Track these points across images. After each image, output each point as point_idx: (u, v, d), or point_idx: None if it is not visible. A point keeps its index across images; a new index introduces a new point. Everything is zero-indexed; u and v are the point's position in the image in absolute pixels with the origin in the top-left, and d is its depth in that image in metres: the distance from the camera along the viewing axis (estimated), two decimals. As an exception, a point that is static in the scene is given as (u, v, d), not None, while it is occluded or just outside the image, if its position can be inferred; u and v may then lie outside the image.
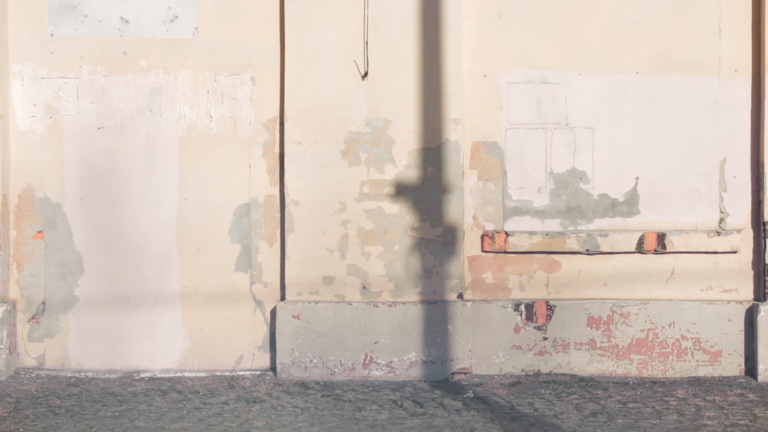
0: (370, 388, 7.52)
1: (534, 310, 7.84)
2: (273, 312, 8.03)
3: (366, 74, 7.83)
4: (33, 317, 8.14)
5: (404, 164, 7.84)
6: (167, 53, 8.07)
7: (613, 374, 7.81)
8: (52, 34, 8.10)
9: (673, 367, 7.79)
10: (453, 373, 7.76)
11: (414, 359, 7.76)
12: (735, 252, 7.84)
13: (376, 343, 7.79)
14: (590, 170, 7.95)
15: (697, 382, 7.62)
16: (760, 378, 7.64)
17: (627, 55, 7.90)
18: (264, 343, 8.09)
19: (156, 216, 8.09)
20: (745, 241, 7.86)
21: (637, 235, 7.83)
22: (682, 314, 7.79)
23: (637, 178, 7.92)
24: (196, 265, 8.07)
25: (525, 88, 7.96)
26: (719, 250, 7.82)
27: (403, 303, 7.79)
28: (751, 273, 7.88)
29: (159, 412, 6.94)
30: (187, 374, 8.00)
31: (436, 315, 7.75)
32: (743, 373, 7.80)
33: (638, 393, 7.32)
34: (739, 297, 7.88)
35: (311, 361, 7.83)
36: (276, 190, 8.07)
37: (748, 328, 7.76)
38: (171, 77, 8.09)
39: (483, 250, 7.95)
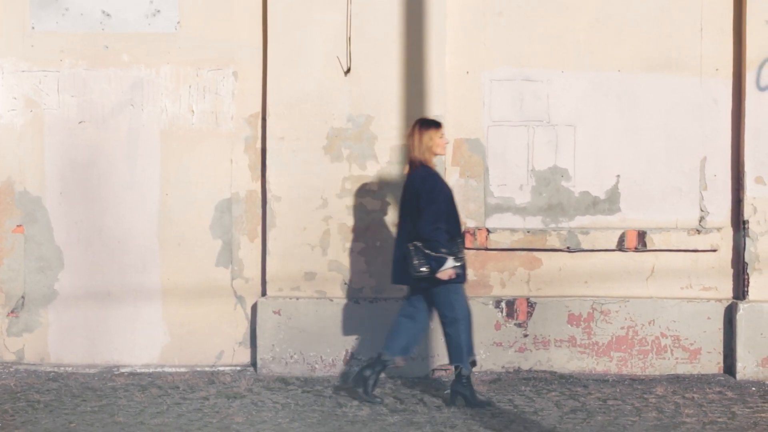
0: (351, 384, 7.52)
1: (515, 307, 7.86)
2: (254, 307, 8.02)
3: (349, 70, 7.83)
4: (12, 311, 8.10)
5: (386, 160, 7.84)
6: (149, 48, 8.04)
7: (593, 371, 7.83)
8: (33, 27, 8.05)
9: (653, 365, 7.82)
10: (434, 370, 7.77)
11: (395, 355, 7.76)
12: (715, 250, 7.87)
13: (357, 339, 7.79)
14: (572, 168, 7.97)
15: (676, 379, 7.66)
16: (739, 376, 7.68)
17: (610, 53, 7.92)
18: (245, 339, 8.07)
19: (137, 211, 8.06)
20: (725, 240, 7.90)
21: (618, 233, 7.86)
22: (662, 312, 7.82)
23: (618, 176, 7.94)
24: (177, 260, 8.05)
25: (508, 85, 7.97)
26: (699, 249, 7.86)
27: (385, 299, 7.79)
28: (730, 271, 7.92)
29: (139, 408, 6.92)
30: (167, 369, 7.98)
31: (418, 311, 7.75)
32: (722, 371, 7.84)
33: (618, 390, 7.35)
34: (718, 295, 7.92)
35: (292, 357, 7.82)
36: (258, 186, 8.05)
37: (727, 326, 7.80)
38: (153, 72, 8.06)
39: (464, 247, 7.94)
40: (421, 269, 6.74)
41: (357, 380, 7.03)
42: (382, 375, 7.26)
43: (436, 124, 6.96)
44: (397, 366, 7.06)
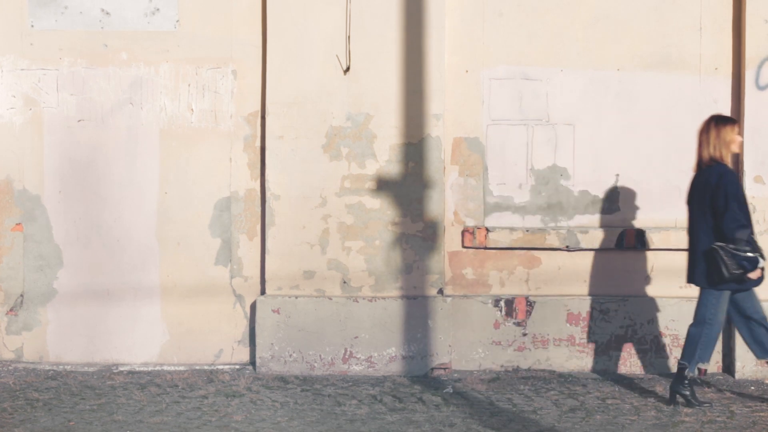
0: (350, 383, 7.52)
1: (514, 305, 7.86)
2: (253, 306, 8.02)
3: (348, 69, 7.83)
4: (11, 310, 8.10)
5: (385, 159, 7.84)
6: (148, 46, 8.04)
7: (592, 370, 7.83)
8: (33, 26, 8.05)
9: (652, 364, 7.82)
10: (433, 369, 7.77)
11: (394, 354, 7.76)
12: (714, 249, 7.87)
13: (356, 338, 7.79)
14: (571, 167, 7.97)
15: (675, 378, 7.65)
16: (737, 375, 7.68)
17: (609, 52, 7.92)
18: (244, 338, 8.07)
19: (136, 209, 8.06)
20: (723, 239, 7.89)
21: (617, 232, 7.85)
22: (661, 311, 7.82)
23: (617, 175, 7.94)
24: (177, 258, 8.05)
25: (507, 84, 7.97)
26: (698, 248, 7.85)
27: (384, 298, 7.79)
28: (729, 270, 7.91)
29: (138, 406, 6.92)
30: (166, 368, 7.98)
31: (416, 310, 7.75)
32: (721, 370, 7.84)
33: (617, 389, 7.35)
34: (717, 294, 7.91)
35: (291, 356, 7.82)
36: (257, 184, 8.05)
37: (726, 325, 7.79)
38: (152, 70, 8.06)
39: (463, 246, 7.96)
40: (735, 271, 6.60)
41: (673, 397, 6.89)
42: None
43: (732, 121, 6.82)
44: (702, 373, 6.92)
